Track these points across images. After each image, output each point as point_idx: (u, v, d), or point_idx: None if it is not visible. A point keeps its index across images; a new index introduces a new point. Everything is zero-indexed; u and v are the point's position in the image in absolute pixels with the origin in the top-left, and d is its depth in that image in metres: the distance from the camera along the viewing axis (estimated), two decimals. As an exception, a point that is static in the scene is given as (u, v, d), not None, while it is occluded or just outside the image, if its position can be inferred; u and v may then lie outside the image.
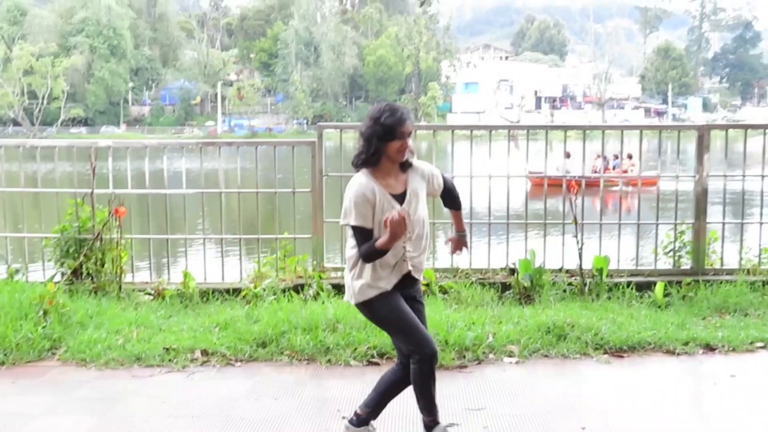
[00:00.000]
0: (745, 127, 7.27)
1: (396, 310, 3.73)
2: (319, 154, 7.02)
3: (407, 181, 3.74)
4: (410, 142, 3.65)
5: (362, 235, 3.61)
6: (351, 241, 3.72)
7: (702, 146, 6.96)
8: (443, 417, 4.19)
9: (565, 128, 7.40)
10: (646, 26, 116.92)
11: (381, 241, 3.51)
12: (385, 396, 3.88)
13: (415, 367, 3.72)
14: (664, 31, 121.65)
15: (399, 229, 3.42)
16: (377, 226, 3.60)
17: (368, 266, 3.67)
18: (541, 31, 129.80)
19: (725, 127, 7.21)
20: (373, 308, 3.76)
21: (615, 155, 20.42)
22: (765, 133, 7.15)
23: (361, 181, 3.65)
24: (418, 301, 3.90)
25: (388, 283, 3.69)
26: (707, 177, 6.97)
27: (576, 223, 6.80)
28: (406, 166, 3.75)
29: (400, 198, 3.68)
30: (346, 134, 7.41)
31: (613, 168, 20.24)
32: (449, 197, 4.00)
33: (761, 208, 7.06)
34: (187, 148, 7.66)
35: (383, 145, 3.60)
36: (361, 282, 3.71)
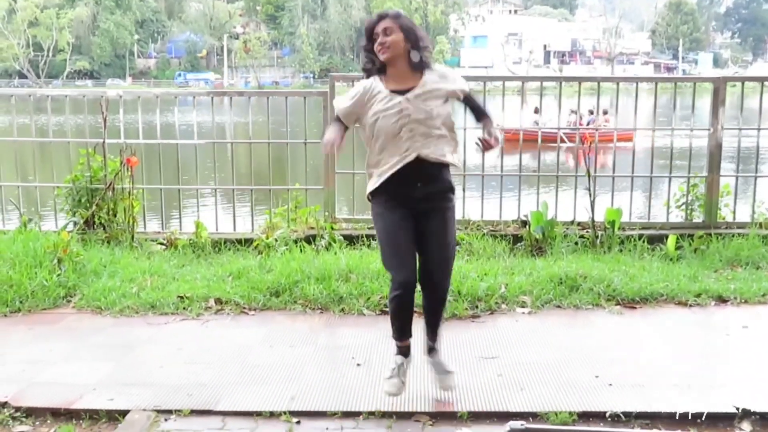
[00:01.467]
0: (762, 80, 7.17)
1: (383, 219, 3.77)
2: (331, 105, 6.95)
3: (421, 80, 3.72)
4: (387, 38, 3.63)
5: (335, 120, 3.84)
6: None
7: (717, 99, 6.89)
8: (457, 365, 4.23)
9: (579, 80, 7.30)
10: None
11: (327, 136, 3.74)
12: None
13: (390, 288, 3.79)
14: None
15: (324, 147, 3.69)
16: (367, 117, 3.72)
17: (375, 165, 3.76)
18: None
19: (742, 80, 7.12)
20: (373, 212, 3.88)
21: (590, 110, 20.19)
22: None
23: (364, 82, 3.78)
24: (435, 214, 3.76)
25: (391, 168, 3.68)
26: (722, 130, 6.91)
27: (589, 176, 6.77)
28: (419, 67, 3.73)
29: (405, 92, 3.69)
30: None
31: (588, 124, 19.97)
32: (472, 105, 3.94)
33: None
34: (197, 99, 7.61)
35: (371, 48, 3.70)
36: (370, 180, 3.82)
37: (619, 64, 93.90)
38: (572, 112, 19.81)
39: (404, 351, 3.94)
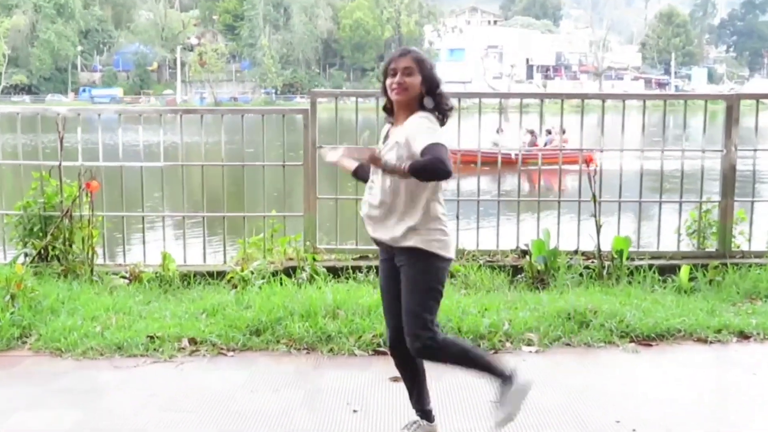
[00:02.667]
0: (778, 97, 7.32)
1: (379, 277, 3.98)
2: (313, 124, 6.97)
3: (402, 128, 3.69)
4: (406, 78, 3.61)
5: None
6: None
7: (731, 118, 7.00)
8: (466, 409, 4.22)
9: (583, 97, 7.39)
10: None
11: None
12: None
13: None
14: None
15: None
16: None
17: None
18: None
19: (757, 97, 7.25)
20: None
21: (548, 130, 20.39)
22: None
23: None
24: (401, 275, 3.74)
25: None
26: (736, 152, 7.02)
27: (595, 201, 6.82)
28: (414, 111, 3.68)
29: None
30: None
31: (545, 144, 20.03)
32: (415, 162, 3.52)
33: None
34: (164, 117, 7.57)
35: (384, 83, 3.72)
36: None
37: (608, 80, 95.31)
38: (528, 132, 20.03)
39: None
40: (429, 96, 3.65)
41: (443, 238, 3.68)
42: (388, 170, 3.51)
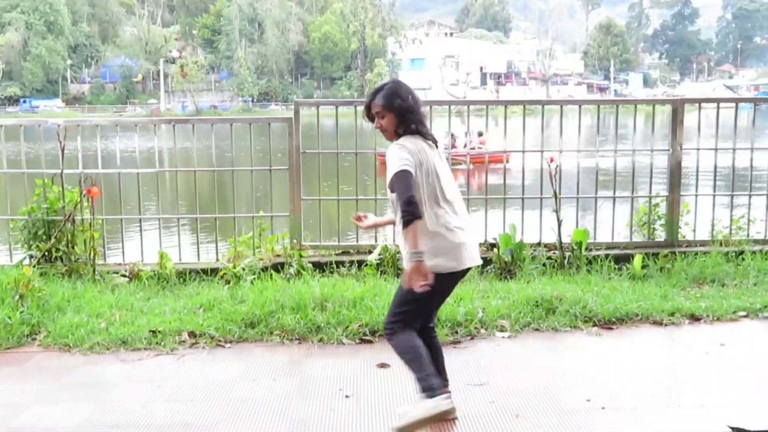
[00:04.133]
0: (719, 101, 7.38)
1: None
2: (296, 131, 6.90)
3: None
4: (381, 121, 3.80)
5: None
6: None
7: (677, 120, 7.04)
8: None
9: (543, 103, 7.39)
10: (588, 3, 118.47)
11: None
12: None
13: None
14: (606, 8, 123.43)
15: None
16: None
17: None
18: (485, 7, 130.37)
19: (699, 101, 7.31)
20: None
21: (465, 132, 20.57)
22: (736, 107, 7.31)
23: None
24: None
25: None
26: (681, 151, 7.06)
27: (556, 198, 6.83)
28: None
29: None
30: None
31: (464, 146, 20.18)
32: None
33: (732, 180, 7.21)
34: (157, 127, 7.44)
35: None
36: None
37: (554, 85, 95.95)
38: (448, 134, 20.10)
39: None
40: (403, 124, 3.76)
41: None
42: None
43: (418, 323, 3.85)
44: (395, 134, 3.79)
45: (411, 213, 3.49)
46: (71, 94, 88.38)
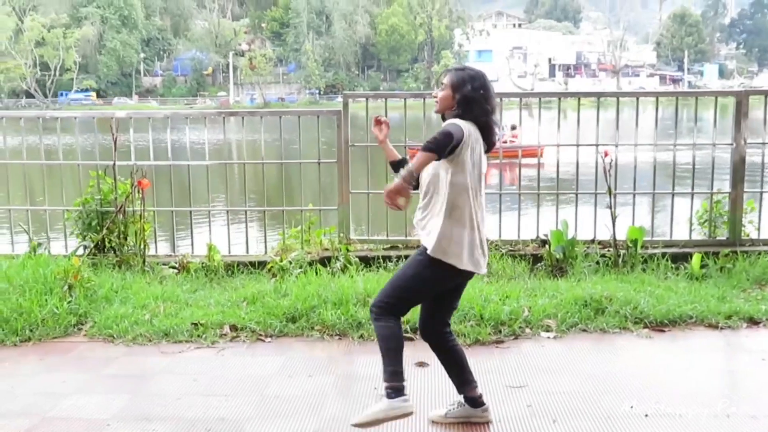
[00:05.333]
0: (786, 92, 7.02)
1: None
2: (345, 124, 6.84)
3: None
4: (440, 91, 3.69)
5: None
6: None
7: (740, 113, 6.74)
8: (484, 394, 4.08)
9: (598, 95, 7.16)
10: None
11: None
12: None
13: None
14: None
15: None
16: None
17: None
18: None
19: (766, 93, 6.95)
20: None
21: (512, 126, 19.99)
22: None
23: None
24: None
25: None
26: (745, 145, 6.75)
27: (610, 193, 6.61)
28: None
29: None
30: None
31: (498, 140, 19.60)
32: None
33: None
34: (209, 119, 7.49)
35: None
36: None
37: (625, 77, 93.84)
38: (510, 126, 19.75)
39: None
40: (459, 107, 3.61)
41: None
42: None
43: (404, 313, 3.71)
44: (446, 111, 3.67)
45: (437, 145, 3.34)
46: (144, 87, 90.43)
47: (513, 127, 19.03)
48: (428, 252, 3.54)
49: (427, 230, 3.59)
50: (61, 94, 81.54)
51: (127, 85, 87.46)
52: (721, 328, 5.17)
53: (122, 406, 4.09)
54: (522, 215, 7.06)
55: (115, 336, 5.15)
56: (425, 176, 3.64)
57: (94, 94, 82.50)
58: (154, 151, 7.08)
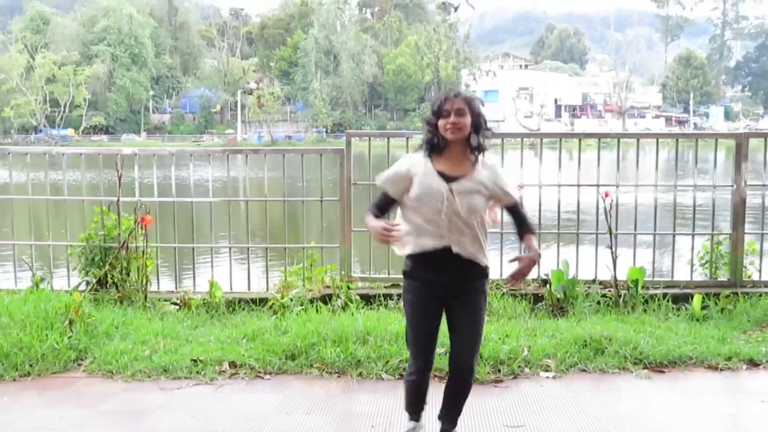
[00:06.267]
0: (786, 135, 7.07)
1: (412, 304, 3.71)
2: (348, 162, 6.91)
3: (473, 170, 3.64)
4: (460, 119, 3.56)
5: (379, 196, 3.71)
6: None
7: (740, 155, 6.78)
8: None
9: (598, 136, 7.21)
10: (667, 34, 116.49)
11: (367, 222, 3.57)
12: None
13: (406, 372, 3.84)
14: (686, 39, 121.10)
15: (376, 236, 3.47)
16: (412, 194, 3.62)
17: (411, 238, 3.64)
18: (561, 39, 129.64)
19: (764, 135, 7.01)
20: (404, 285, 3.77)
21: None
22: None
23: (413, 156, 3.71)
24: (466, 297, 3.71)
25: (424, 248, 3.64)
26: (745, 186, 6.79)
27: (611, 234, 6.64)
28: (477, 156, 3.66)
29: (453, 179, 3.59)
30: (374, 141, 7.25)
31: None
32: (516, 215, 3.79)
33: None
34: (213, 156, 7.57)
35: (435, 122, 3.62)
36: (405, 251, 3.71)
37: (630, 118, 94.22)
38: None
39: (417, 418, 3.91)
40: (476, 134, 3.62)
41: None
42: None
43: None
44: (466, 141, 3.61)
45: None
46: (152, 123, 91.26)
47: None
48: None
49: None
50: (40, 131, 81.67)
51: (136, 122, 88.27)
52: (721, 370, 5.16)
53: (118, 442, 4.09)
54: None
55: (114, 372, 5.16)
56: (471, 205, 3.64)
57: (70, 130, 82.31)
58: (159, 188, 7.15)
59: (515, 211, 3.78)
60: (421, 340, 3.71)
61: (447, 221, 3.57)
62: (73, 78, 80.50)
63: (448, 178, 3.59)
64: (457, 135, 3.57)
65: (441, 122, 3.58)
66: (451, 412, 3.86)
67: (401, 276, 3.77)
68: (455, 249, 3.59)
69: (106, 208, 6.92)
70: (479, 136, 3.62)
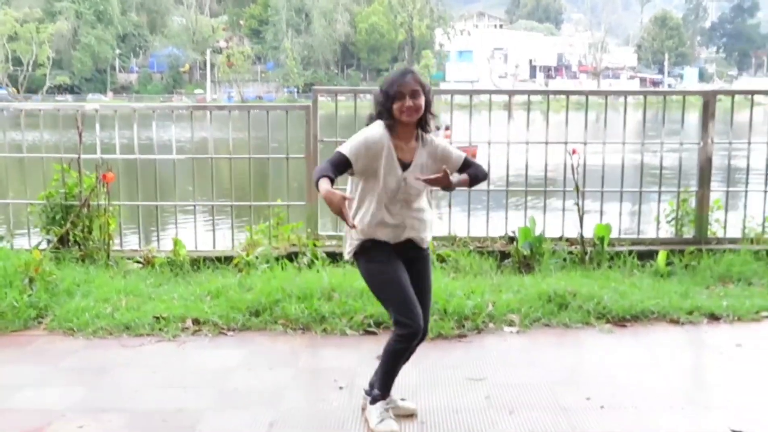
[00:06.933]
0: (752, 93, 7.15)
1: (389, 272, 3.65)
2: (314, 119, 6.88)
3: (415, 153, 3.67)
4: (416, 101, 3.55)
5: (336, 161, 3.52)
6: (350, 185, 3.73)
7: (708, 113, 6.85)
8: (443, 386, 4.16)
9: (567, 93, 7.27)
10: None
11: (324, 189, 3.33)
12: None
13: (393, 339, 3.66)
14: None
15: (331, 207, 3.31)
16: (375, 176, 3.60)
17: (369, 216, 3.63)
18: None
19: (731, 93, 7.08)
20: (366, 267, 3.71)
21: (437, 126, 20.18)
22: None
23: (380, 131, 3.62)
24: (423, 271, 3.82)
25: (384, 237, 3.67)
26: (712, 144, 6.87)
27: (578, 190, 6.70)
28: (421, 137, 3.70)
29: (405, 166, 3.64)
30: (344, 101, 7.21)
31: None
32: (470, 174, 3.77)
33: (766, 176, 6.97)
34: (177, 113, 7.49)
35: (389, 105, 3.58)
36: (355, 232, 3.65)
37: (605, 78, 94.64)
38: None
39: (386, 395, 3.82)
40: (426, 115, 3.67)
41: None
42: (454, 187, 3.66)
43: None
44: (416, 124, 3.66)
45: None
46: (119, 83, 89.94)
47: (447, 128, 19.12)
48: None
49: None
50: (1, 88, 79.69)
51: (102, 82, 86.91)
52: (683, 324, 5.27)
53: (79, 398, 4.10)
54: (495, 213, 7.14)
55: (75, 329, 5.15)
56: (418, 188, 3.70)
57: (13, 89, 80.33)
58: (124, 147, 7.07)
59: (466, 164, 3.78)
60: (411, 296, 3.62)
61: (401, 206, 3.65)
62: (36, 36, 78.96)
63: (404, 165, 3.63)
64: (413, 117, 3.60)
65: (396, 105, 3.55)
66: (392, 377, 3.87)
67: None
68: (412, 235, 3.72)
69: (67, 166, 6.84)
70: (426, 115, 3.66)
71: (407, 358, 3.79)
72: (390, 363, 3.70)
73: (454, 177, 3.64)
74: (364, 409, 3.83)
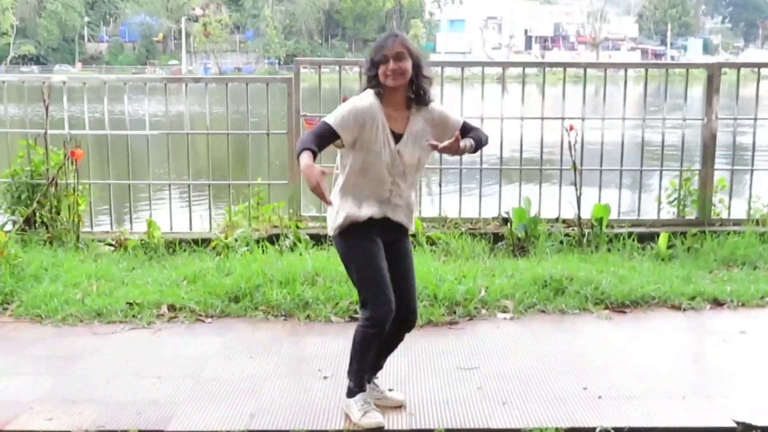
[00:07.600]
0: (759, 66, 7.16)
1: (368, 249, 3.65)
2: (296, 93, 6.85)
3: (408, 122, 3.66)
4: (400, 63, 3.53)
5: (321, 133, 3.51)
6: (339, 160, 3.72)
7: (712, 87, 6.87)
8: (433, 376, 4.18)
9: (564, 65, 7.26)
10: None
11: (305, 164, 3.32)
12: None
13: (361, 325, 3.67)
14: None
15: (309, 183, 3.31)
16: (366, 148, 3.57)
17: (352, 194, 3.63)
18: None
19: (737, 66, 7.10)
20: (347, 242, 3.71)
21: None
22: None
23: (371, 101, 3.60)
24: (406, 253, 3.82)
25: (369, 213, 3.65)
26: (716, 120, 6.89)
27: (575, 170, 6.71)
28: (413, 102, 3.67)
29: (398, 138, 3.63)
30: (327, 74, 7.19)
31: None
32: (474, 138, 3.73)
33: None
34: (150, 86, 7.43)
35: (375, 71, 3.57)
36: (343, 208, 3.65)
37: (605, 50, 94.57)
38: None
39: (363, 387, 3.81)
40: (416, 80, 3.63)
41: None
42: (463, 152, 3.62)
43: None
44: (405, 90, 3.64)
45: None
46: (88, 53, 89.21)
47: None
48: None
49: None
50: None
51: (70, 52, 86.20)
52: (684, 310, 5.31)
53: (47, 388, 4.10)
54: (488, 193, 7.16)
55: (43, 316, 5.14)
56: (414, 160, 3.72)
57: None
58: (94, 122, 7.03)
59: (466, 128, 3.75)
60: (386, 278, 3.61)
61: (392, 182, 3.65)
62: (-1, 2, 78.11)
63: (396, 137, 3.62)
64: (399, 81, 3.57)
65: (381, 69, 3.55)
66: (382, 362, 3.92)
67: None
68: (396, 215, 3.71)
69: (33, 142, 6.79)
70: (419, 80, 3.63)
71: (390, 348, 3.84)
72: (360, 351, 3.69)
73: (464, 142, 3.61)
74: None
